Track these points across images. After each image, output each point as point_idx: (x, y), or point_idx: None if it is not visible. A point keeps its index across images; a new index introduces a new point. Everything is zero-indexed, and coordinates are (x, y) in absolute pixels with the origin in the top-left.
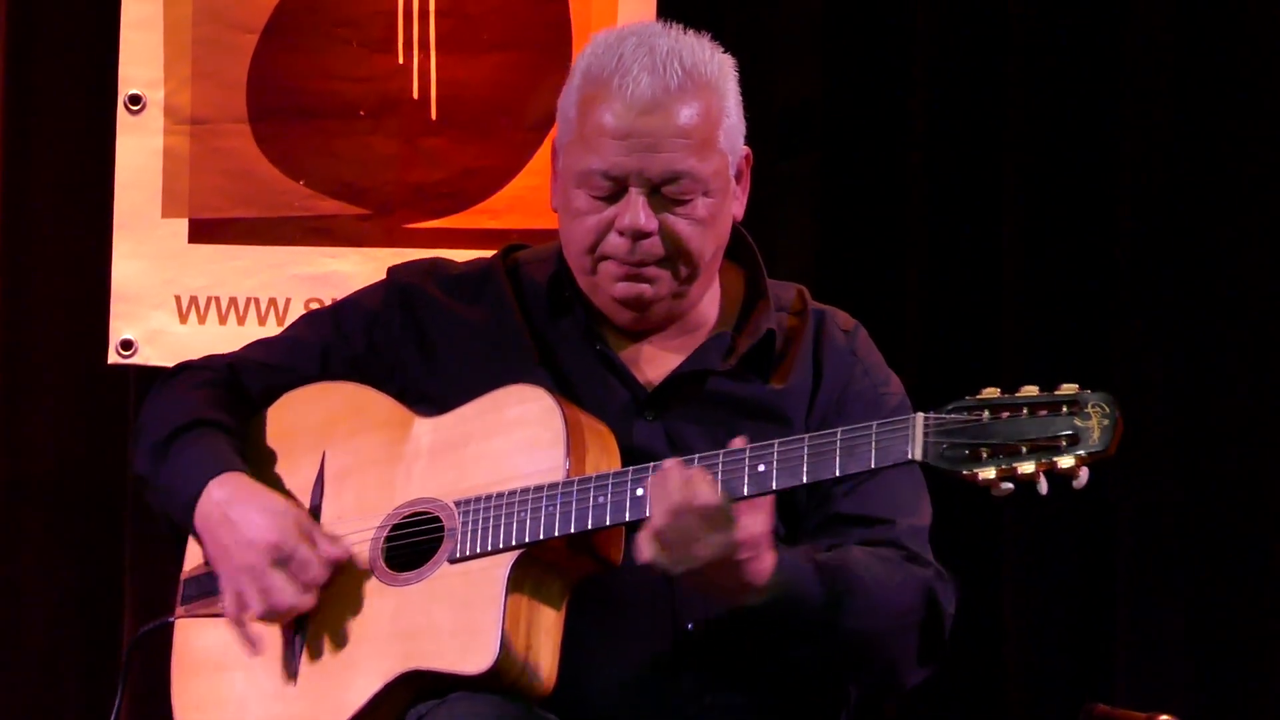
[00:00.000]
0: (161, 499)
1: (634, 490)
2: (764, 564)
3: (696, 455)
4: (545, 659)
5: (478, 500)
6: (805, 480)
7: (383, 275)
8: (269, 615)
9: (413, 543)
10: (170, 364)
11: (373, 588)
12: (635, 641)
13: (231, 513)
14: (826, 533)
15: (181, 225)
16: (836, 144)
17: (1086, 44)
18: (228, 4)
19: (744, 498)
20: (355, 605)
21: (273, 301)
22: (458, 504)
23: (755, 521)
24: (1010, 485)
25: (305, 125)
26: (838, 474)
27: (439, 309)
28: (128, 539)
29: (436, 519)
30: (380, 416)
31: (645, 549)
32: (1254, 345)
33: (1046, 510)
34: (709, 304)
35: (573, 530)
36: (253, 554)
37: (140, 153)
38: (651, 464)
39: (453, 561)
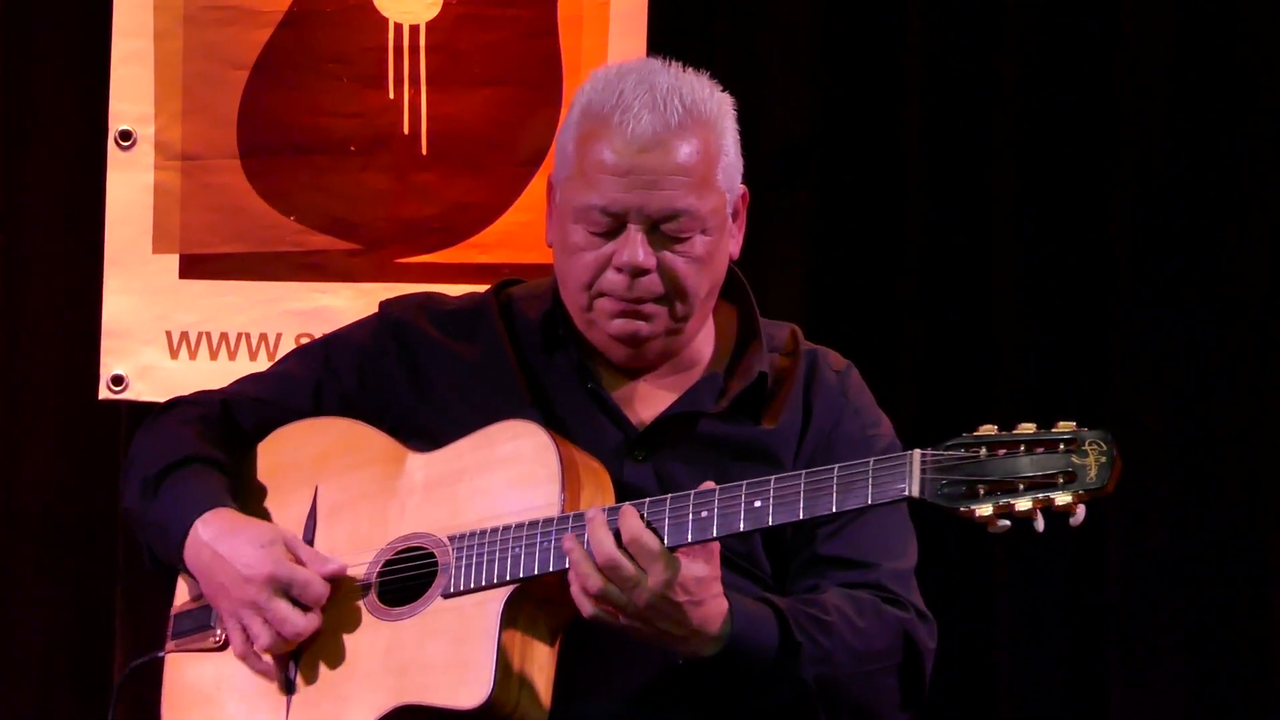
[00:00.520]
0: (150, 534)
1: None
2: (715, 611)
3: (673, 495)
4: (538, 695)
5: (472, 535)
6: (802, 516)
7: (374, 310)
8: (276, 645)
9: (406, 578)
10: (161, 399)
11: (366, 622)
12: (627, 677)
13: (220, 549)
14: (808, 574)
15: (172, 261)
16: (828, 180)
17: (1079, 82)
18: (218, 40)
19: (740, 533)
20: (348, 640)
21: (264, 337)
22: (451, 539)
23: (697, 565)
24: (1007, 522)
25: (296, 161)
26: (834, 510)
27: (432, 345)
28: (119, 573)
29: (430, 554)
30: (373, 452)
31: (584, 605)
32: (1249, 367)
33: (1038, 542)
34: (703, 342)
35: (568, 566)
36: (252, 589)
37: (131, 188)
38: (646, 500)
39: (446, 596)
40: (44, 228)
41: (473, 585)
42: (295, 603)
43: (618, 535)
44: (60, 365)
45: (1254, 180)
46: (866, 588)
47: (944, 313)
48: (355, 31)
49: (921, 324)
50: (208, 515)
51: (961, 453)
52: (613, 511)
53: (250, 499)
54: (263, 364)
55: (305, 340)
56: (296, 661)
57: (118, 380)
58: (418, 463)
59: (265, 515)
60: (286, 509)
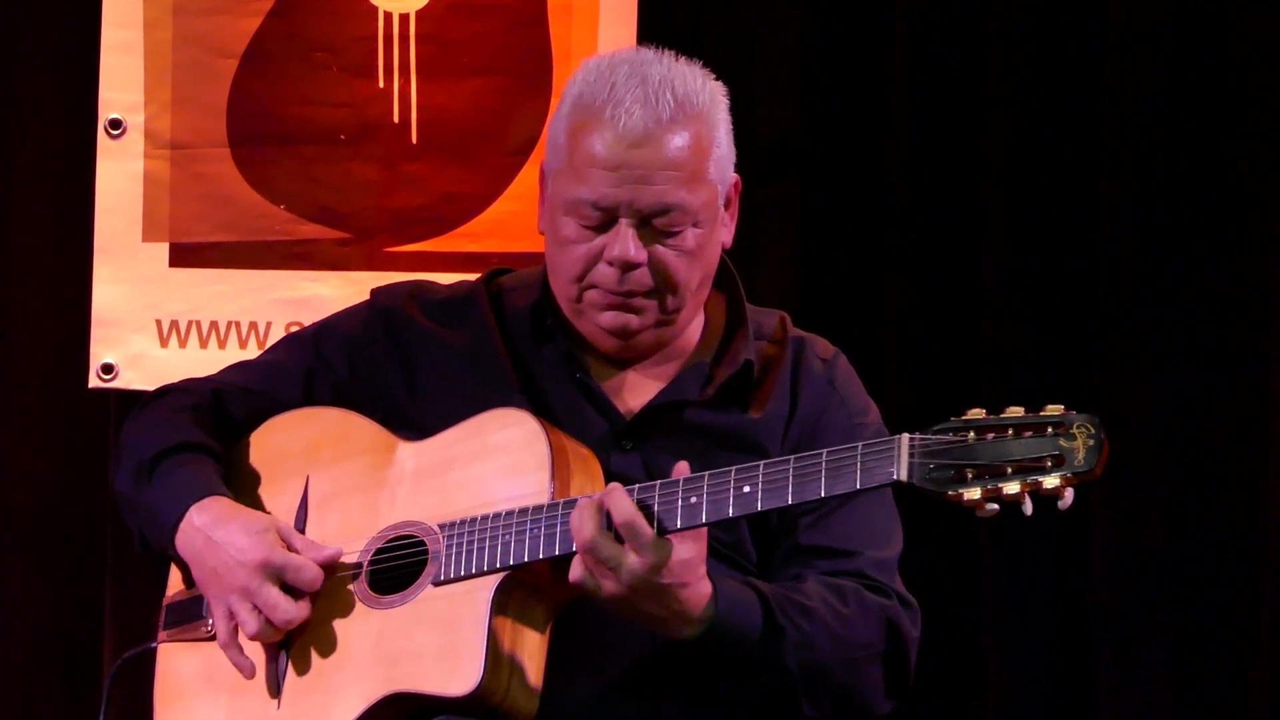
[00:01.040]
0: (142, 519)
1: None
2: (699, 594)
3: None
4: (529, 682)
5: (462, 523)
6: (791, 501)
7: (364, 299)
8: (265, 632)
9: (397, 566)
10: (151, 388)
11: (357, 611)
12: (617, 664)
13: (214, 536)
14: (791, 564)
15: (162, 249)
16: (816, 170)
17: (1067, 75)
18: (208, 29)
19: (729, 520)
20: (338, 628)
21: (253, 325)
22: (442, 527)
23: (684, 548)
24: (995, 506)
25: (285, 150)
26: (823, 495)
27: (422, 333)
28: (109, 563)
29: (420, 542)
30: (364, 442)
31: (575, 568)
32: (1237, 349)
33: (1025, 535)
34: (693, 331)
35: (557, 553)
36: (243, 574)
37: (121, 177)
38: (636, 486)
39: (437, 584)
40: (33, 217)
41: (463, 573)
42: (287, 590)
43: (609, 518)
44: (50, 354)
45: (1246, 170)
46: (849, 576)
47: (932, 302)
48: (345, 20)
49: (909, 312)
50: (203, 502)
51: (949, 437)
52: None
53: (241, 488)
54: (252, 352)
55: (295, 329)
56: (287, 650)
57: (108, 369)
58: (408, 452)
59: (256, 505)
60: (278, 499)
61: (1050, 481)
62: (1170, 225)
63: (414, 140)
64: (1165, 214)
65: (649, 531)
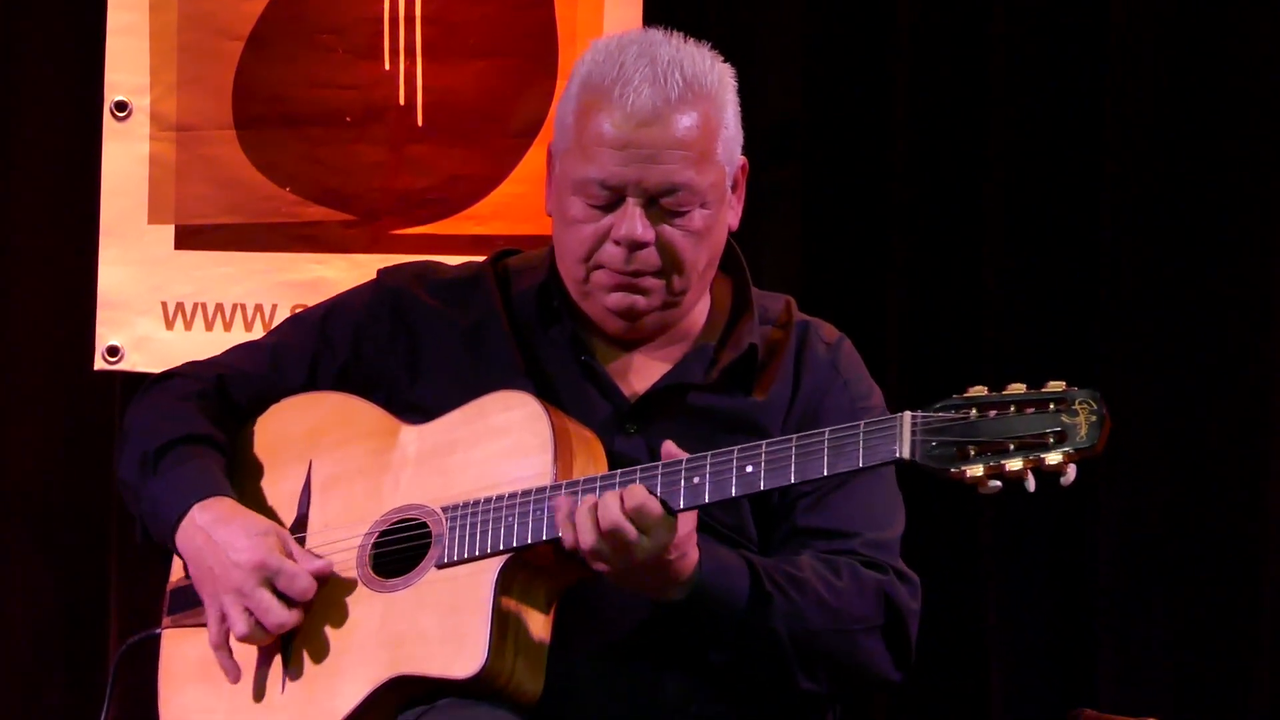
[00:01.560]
0: (144, 510)
1: None
2: (688, 560)
3: (665, 462)
4: (533, 664)
5: (465, 506)
6: (794, 480)
7: (371, 280)
8: (255, 634)
9: (400, 549)
10: (157, 370)
11: (360, 594)
12: (622, 647)
13: (215, 535)
14: (790, 544)
15: (168, 231)
16: (819, 154)
17: (1070, 59)
18: (213, 11)
19: (732, 500)
20: (343, 612)
21: (259, 308)
22: (445, 510)
23: (685, 521)
24: (998, 483)
25: (291, 132)
26: (825, 473)
27: (428, 314)
28: (114, 547)
29: (424, 525)
30: (367, 425)
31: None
32: (1238, 349)
33: (1027, 516)
34: (698, 315)
35: (560, 535)
36: (239, 575)
37: (126, 159)
38: (638, 467)
39: (440, 567)
40: (39, 199)
41: (466, 555)
42: (279, 596)
43: (622, 502)
44: (55, 336)
45: (1247, 171)
46: (846, 556)
47: (935, 285)
48: (350, 2)
49: (913, 297)
50: (207, 501)
51: (952, 414)
52: (617, 479)
53: (245, 475)
54: (258, 335)
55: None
56: (292, 634)
57: (113, 351)
58: (411, 435)
59: (260, 491)
60: (281, 484)
61: (1053, 458)
62: (1172, 225)
63: (419, 122)
64: (1167, 213)
65: (659, 510)
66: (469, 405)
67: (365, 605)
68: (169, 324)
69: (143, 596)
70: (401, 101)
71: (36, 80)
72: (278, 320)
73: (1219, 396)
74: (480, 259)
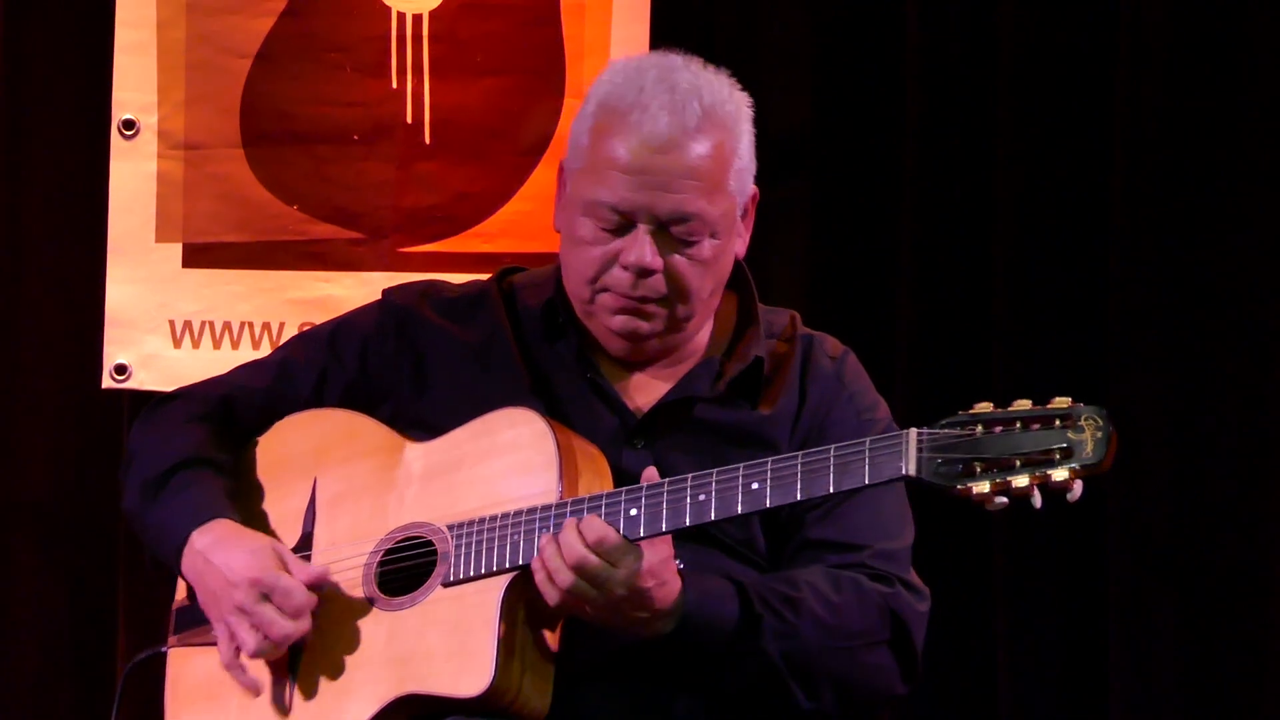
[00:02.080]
0: (150, 539)
1: (628, 511)
2: (672, 589)
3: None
4: (540, 682)
5: (471, 524)
6: (800, 497)
7: (376, 299)
8: (265, 649)
9: (406, 567)
10: (164, 389)
11: (367, 613)
12: (630, 664)
13: (214, 558)
14: (800, 557)
15: (175, 250)
16: (827, 168)
17: (1077, 70)
18: (221, 29)
19: (738, 516)
20: (349, 630)
21: (266, 326)
22: (451, 528)
23: (657, 548)
24: (1004, 500)
25: (299, 150)
26: (831, 490)
27: (434, 332)
28: (121, 564)
29: (429, 543)
30: (372, 443)
31: (549, 595)
32: (1246, 361)
33: (1037, 533)
34: (704, 333)
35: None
36: (239, 594)
37: (134, 177)
38: (644, 484)
39: (446, 585)
40: (47, 216)
41: (473, 573)
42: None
43: (583, 537)
44: (63, 354)
45: (1260, 165)
46: (855, 569)
47: (944, 301)
48: (358, 20)
49: (921, 311)
50: (206, 525)
51: (958, 431)
52: (622, 498)
53: (250, 493)
54: (265, 353)
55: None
56: (298, 653)
57: (121, 369)
58: (416, 452)
59: (265, 509)
60: (286, 502)
61: (1059, 474)
62: (1184, 222)
63: (427, 140)
64: (1176, 232)
65: (616, 538)
66: (474, 422)
67: (372, 624)
68: (176, 342)
69: (151, 611)
70: (409, 119)
71: (45, 98)
72: (285, 338)
73: (1230, 411)
74: (486, 277)
